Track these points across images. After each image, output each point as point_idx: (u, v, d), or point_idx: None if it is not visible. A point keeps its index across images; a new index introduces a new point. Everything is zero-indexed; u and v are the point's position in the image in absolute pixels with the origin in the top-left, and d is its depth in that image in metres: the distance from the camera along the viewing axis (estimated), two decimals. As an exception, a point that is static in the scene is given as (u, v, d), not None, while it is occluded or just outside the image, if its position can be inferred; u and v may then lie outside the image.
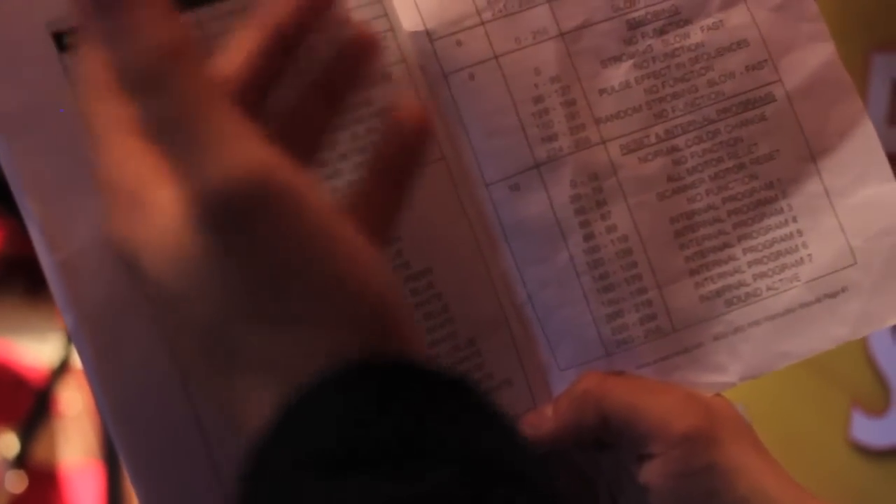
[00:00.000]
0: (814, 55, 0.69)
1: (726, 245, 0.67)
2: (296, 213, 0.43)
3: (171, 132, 0.44)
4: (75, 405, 2.12)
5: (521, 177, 0.66)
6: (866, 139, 0.68)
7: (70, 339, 0.62)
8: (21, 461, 2.04)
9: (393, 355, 0.44)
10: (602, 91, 0.67)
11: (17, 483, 2.04)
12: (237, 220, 0.43)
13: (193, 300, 0.44)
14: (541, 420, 0.66)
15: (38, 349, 2.05)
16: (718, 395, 0.67)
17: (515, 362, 0.66)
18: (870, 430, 1.55)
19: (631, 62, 0.68)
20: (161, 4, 0.45)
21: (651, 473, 0.63)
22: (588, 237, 0.66)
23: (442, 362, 0.65)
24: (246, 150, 0.43)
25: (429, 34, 0.66)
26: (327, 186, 0.63)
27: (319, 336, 0.43)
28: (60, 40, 0.62)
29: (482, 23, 0.67)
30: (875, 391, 1.52)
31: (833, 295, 0.67)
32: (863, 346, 1.54)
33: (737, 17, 0.69)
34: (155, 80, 0.44)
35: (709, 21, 0.68)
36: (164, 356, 0.61)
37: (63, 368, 2.00)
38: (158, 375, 0.61)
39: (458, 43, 0.66)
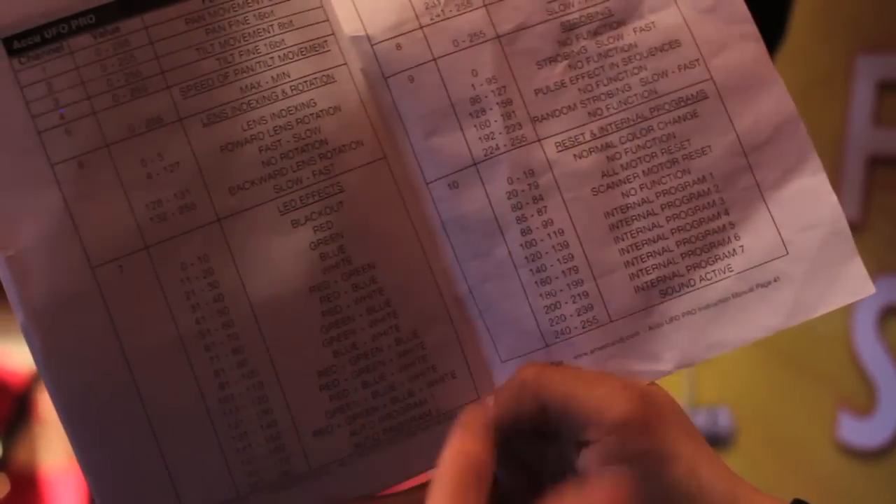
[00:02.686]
0: (744, 54, 0.73)
1: (660, 237, 0.71)
2: None
3: None
4: (58, 409, 2.15)
5: (459, 174, 0.70)
6: (796, 133, 0.73)
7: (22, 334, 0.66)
8: (3, 465, 2.06)
9: None
10: (538, 91, 0.72)
11: (-1, 487, 2.07)
12: None
13: None
14: (482, 410, 0.69)
15: (19, 353, 2.08)
16: (654, 383, 0.70)
17: (459, 355, 0.70)
18: (857, 431, 1.59)
19: (566, 63, 0.72)
20: None
21: (588, 460, 0.66)
22: (525, 231, 0.70)
23: (385, 355, 0.69)
24: None
25: (369, 38, 0.71)
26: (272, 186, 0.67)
27: None
28: (10, 45, 0.66)
29: (420, 27, 0.71)
30: (861, 392, 1.56)
31: (765, 285, 0.72)
32: (848, 347, 1.59)
33: (668, 19, 0.73)
34: None
35: (641, 23, 0.73)
36: (112, 348, 0.65)
37: (45, 372, 2.00)
38: (107, 367, 0.66)
39: (398, 46, 0.71)
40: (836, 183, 1.59)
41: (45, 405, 2.15)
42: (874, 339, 1.57)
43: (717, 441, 1.68)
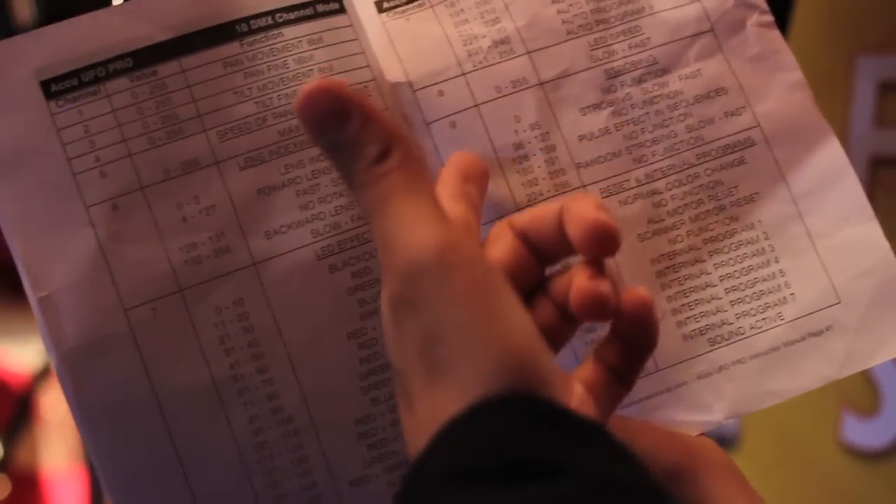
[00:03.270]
0: (791, 102, 0.72)
1: (708, 285, 0.70)
2: (455, 290, 0.51)
3: (374, 218, 0.53)
4: (58, 409, 2.15)
5: None
6: (847, 181, 0.71)
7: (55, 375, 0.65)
8: (4, 466, 2.06)
9: (533, 395, 0.50)
10: (582, 137, 0.70)
11: (0, 488, 2.06)
12: (404, 298, 0.52)
13: (390, 352, 0.55)
14: None
15: (21, 353, 2.12)
16: (703, 434, 0.68)
17: None
18: (861, 432, 1.55)
19: (610, 109, 0.71)
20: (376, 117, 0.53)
21: None
22: None
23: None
24: (422, 236, 0.52)
25: (411, 85, 0.70)
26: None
27: (470, 387, 0.50)
28: (48, 88, 0.66)
29: (463, 73, 0.70)
30: (866, 393, 1.52)
31: (818, 333, 0.69)
32: (853, 348, 1.57)
33: (714, 67, 0.72)
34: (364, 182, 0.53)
35: (686, 70, 0.72)
36: (144, 391, 0.64)
37: (46, 373, 2.04)
38: (140, 411, 0.64)
39: (440, 93, 0.70)
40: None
41: (46, 406, 2.15)
42: (878, 340, 1.55)
43: (723, 442, 1.65)
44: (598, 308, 0.57)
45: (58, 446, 2.19)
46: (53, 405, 2.16)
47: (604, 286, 0.57)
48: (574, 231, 0.57)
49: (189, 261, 0.66)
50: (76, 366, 0.64)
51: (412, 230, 0.51)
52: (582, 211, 0.57)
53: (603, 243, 0.57)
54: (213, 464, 0.65)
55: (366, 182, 0.52)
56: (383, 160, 0.52)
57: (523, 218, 0.62)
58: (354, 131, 0.52)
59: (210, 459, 0.65)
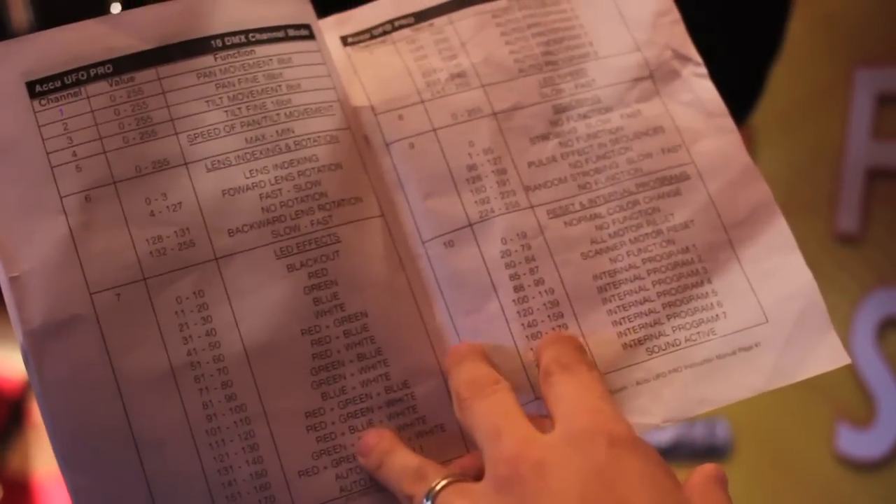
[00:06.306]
0: (721, 143, 0.75)
1: (647, 300, 0.71)
2: None
3: None
4: (50, 416, 2.10)
5: (455, 234, 0.71)
6: (772, 214, 0.74)
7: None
8: None
9: None
10: (531, 164, 0.73)
11: (-9, 493, 2.00)
12: None
13: None
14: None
15: (13, 359, 2.02)
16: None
17: (448, 409, 0.69)
18: (855, 443, 1.53)
19: (557, 140, 0.73)
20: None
21: None
22: (518, 289, 0.70)
23: (374, 402, 0.68)
24: None
25: (373, 109, 0.72)
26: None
27: None
28: (33, 88, 0.67)
29: (422, 101, 0.73)
30: (860, 403, 1.50)
31: (747, 349, 0.71)
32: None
33: (653, 109, 0.75)
34: None
35: (628, 110, 0.75)
36: (105, 371, 0.64)
37: (37, 379, 1.97)
38: (99, 391, 0.65)
39: (400, 117, 0.72)
40: (835, 195, 1.58)
41: (38, 412, 2.10)
42: (873, 350, 1.53)
43: (716, 453, 1.61)
44: None
45: (49, 452, 2.15)
46: (45, 411, 2.12)
47: None
48: None
49: (154, 252, 0.67)
50: (41, 344, 0.64)
51: None
52: None
53: None
54: (167, 445, 0.65)
55: None
56: None
57: None
58: None
59: (164, 441, 0.65)
